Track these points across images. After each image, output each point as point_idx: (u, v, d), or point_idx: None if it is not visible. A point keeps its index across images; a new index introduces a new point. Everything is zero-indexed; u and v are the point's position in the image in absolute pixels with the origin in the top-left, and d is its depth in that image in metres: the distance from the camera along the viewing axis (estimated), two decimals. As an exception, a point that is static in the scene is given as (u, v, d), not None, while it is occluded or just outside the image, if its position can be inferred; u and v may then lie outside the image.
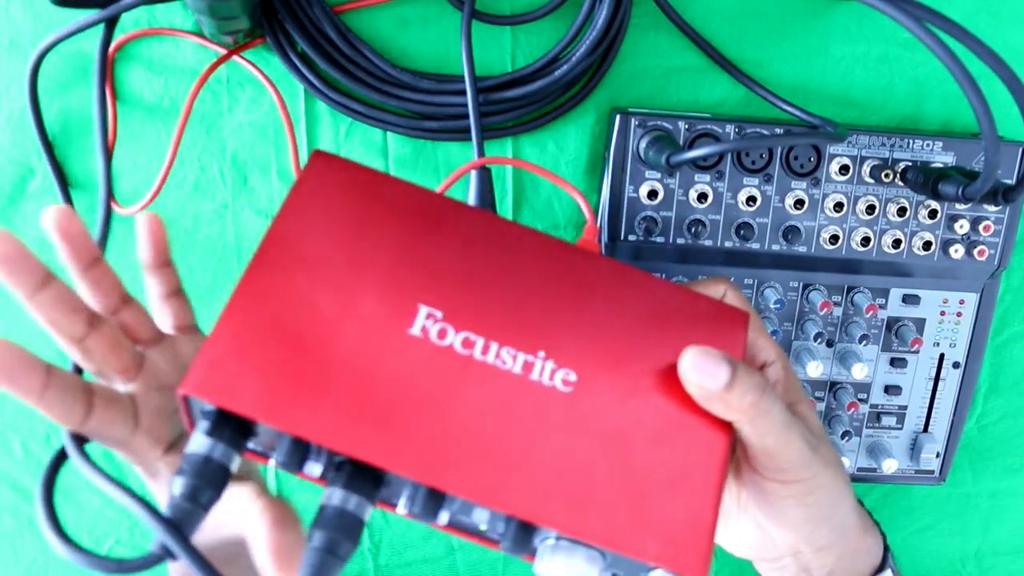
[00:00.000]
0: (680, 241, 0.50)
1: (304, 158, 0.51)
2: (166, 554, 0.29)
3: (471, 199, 0.47)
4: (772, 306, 0.51)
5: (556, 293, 0.34)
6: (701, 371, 0.33)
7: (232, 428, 0.30)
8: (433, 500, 0.31)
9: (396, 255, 0.33)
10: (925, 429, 0.55)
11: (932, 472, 0.56)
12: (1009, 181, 0.49)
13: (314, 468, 0.32)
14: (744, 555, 0.42)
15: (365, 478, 0.30)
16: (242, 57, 0.48)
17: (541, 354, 0.33)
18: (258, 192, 0.51)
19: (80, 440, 0.35)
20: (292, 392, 0.30)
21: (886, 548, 0.43)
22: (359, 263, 0.33)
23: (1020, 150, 0.49)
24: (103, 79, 0.47)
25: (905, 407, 0.54)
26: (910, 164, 0.49)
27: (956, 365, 0.54)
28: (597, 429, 0.32)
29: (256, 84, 0.49)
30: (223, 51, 0.48)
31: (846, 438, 0.54)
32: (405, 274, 0.33)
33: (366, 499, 0.30)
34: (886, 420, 0.55)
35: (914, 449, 0.55)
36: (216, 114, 0.50)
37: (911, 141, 0.49)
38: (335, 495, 0.30)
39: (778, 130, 0.48)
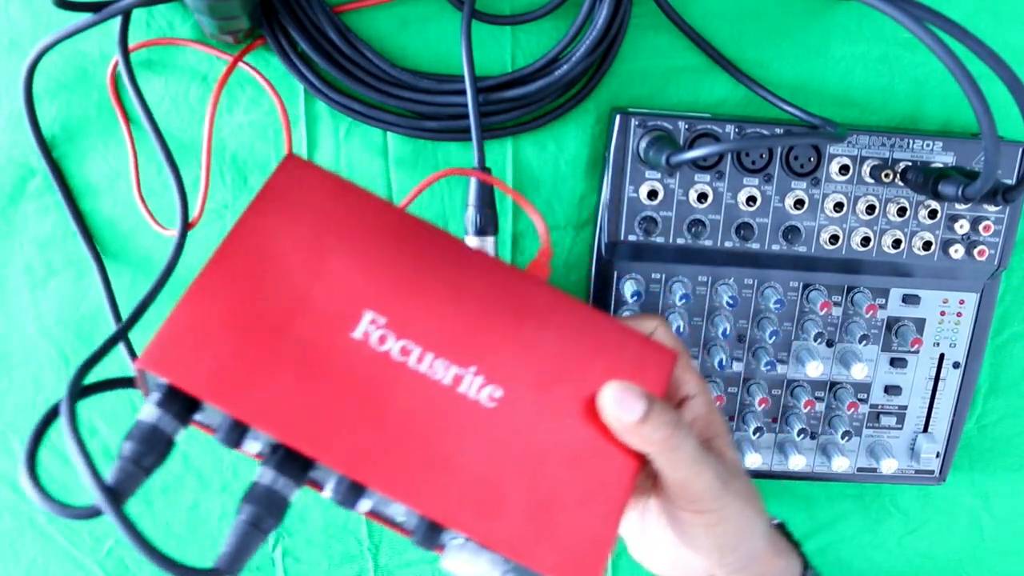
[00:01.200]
0: (680, 241, 0.50)
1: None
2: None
3: (471, 200, 0.47)
4: (772, 306, 0.51)
5: (497, 314, 0.36)
6: (619, 404, 0.35)
7: (180, 402, 0.33)
8: (355, 490, 0.33)
9: (350, 261, 0.35)
10: (925, 429, 0.55)
11: (932, 472, 0.56)
12: (1009, 181, 0.49)
13: (252, 446, 0.35)
14: (664, 574, 0.44)
15: (295, 462, 0.33)
16: (244, 62, 0.48)
17: (472, 369, 0.35)
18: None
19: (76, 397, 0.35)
20: (237, 378, 0.32)
21: (805, 568, 0.45)
22: (315, 265, 0.35)
23: (1020, 150, 0.49)
24: (136, 87, 0.46)
25: (905, 407, 0.55)
26: (910, 164, 0.49)
27: (956, 365, 0.54)
28: (515, 445, 0.34)
29: (256, 84, 0.49)
30: (222, 54, 0.48)
31: (846, 438, 0.54)
32: (356, 280, 0.35)
33: (294, 481, 0.33)
34: (886, 420, 0.55)
35: (914, 449, 0.55)
36: (216, 114, 0.50)
37: (911, 141, 0.49)
38: (266, 475, 0.33)
39: (778, 130, 0.48)
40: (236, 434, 0.33)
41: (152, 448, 0.32)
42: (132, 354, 0.51)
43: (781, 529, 0.48)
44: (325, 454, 0.32)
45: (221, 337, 0.33)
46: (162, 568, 0.31)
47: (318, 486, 0.36)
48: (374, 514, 0.37)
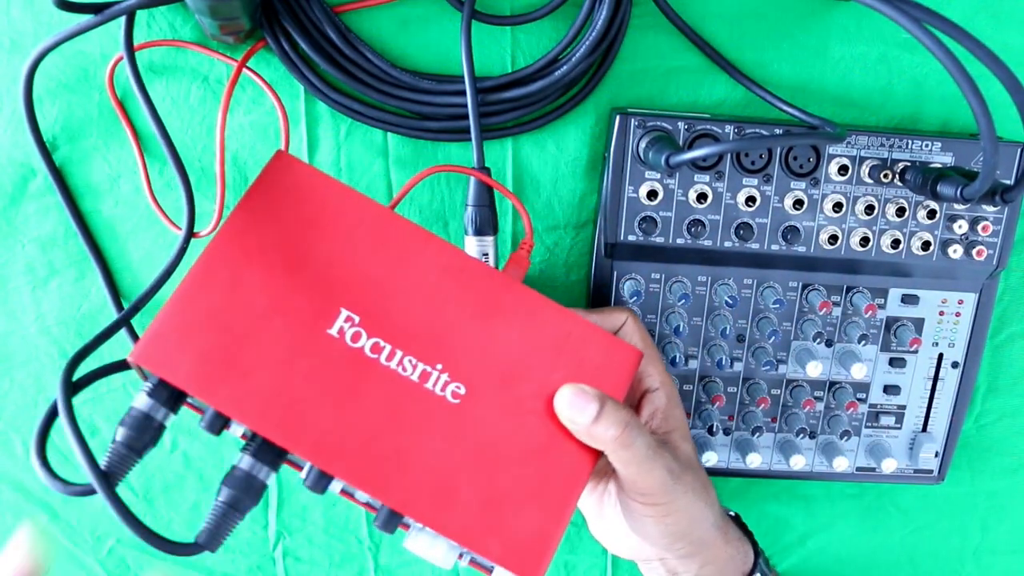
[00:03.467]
0: (680, 241, 0.50)
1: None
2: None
3: (470, 199, 0.47)
4: (771, 306, 0.51)
5: (466, 312, 0.38)
6: (572, 406, 0.37)
7: (169, 392, 0.35)
8: (324, 477, 0.36)
9: (331, 259, 0.37)
10: (924, 429, 0.55)
11: (931, 472, 0.56)
12: (1008, 181, 0.49)
13: (237, 429, 0.38)
14: (623, 555, 0.48)
15: (272, 449, 0.36)
16: (247, 68, 0.48)
17: (439, 366, 0.37)
18: (258, 192, 0.51)
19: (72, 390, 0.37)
20: (219, 373, 0.35)
21: (757, 555, 0.48)
22: (297, 263, 0.37)
23: (1019, 150, 0.49)
24: (144, 90, 0.46)
25: (904, 407, 0.55)
26: (909, 164, 0.49)
27: (955, 365, 0.54)
28: (474, 439, 0.36)
29: (257, 85, 0.49)
30: (223, 56, 0.48)
31: (845, 438, 0.54)
32: (335, 278, 0.37)
33: (270, 467, 0.36)
34: (885, 420, 0.55)
35: (913, 449, 0.55)
36: (216, 114, 0.50)
37: (910, 141, 0.49)
38: (244, 460, 0.36)
39: (777, 130, 0.48)
40: (219, 422, 0.36)
41: (143, 433, 0.35)
42: (134, 338, 0.51)
43: (736, 520, 0.51)
44: (295, 445, 0.35)
45: (206, 333, 0.35)
46: (147, 542, 0.34)
47: (298, 467, 0.39)
48: (344, 493, 0.39)
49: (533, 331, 0.38)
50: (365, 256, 0.38)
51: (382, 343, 0.37)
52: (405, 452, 0.36)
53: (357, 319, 0.37)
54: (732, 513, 0.51)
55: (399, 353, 0.37)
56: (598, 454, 0.39)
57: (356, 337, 0.36)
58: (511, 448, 0.37)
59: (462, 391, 0.37)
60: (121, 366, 0.40)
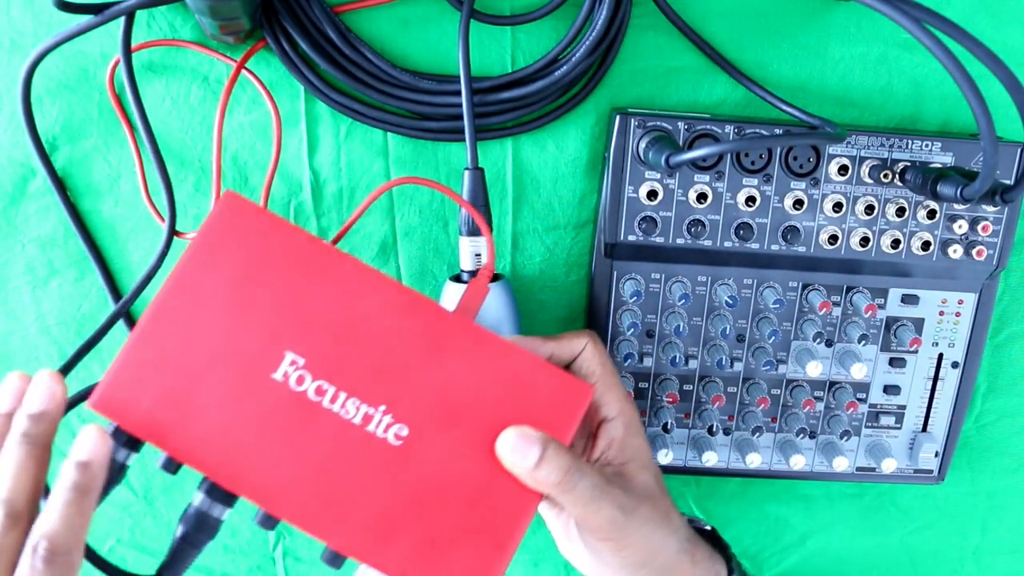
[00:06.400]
0: (680, 241, 0.50)
1: (298, 164, 0.51)
2: None
3: (464, 198, 0.47)
4: (771, 306, 0.51)
5: (414, 352, 0.38)
6: (514, 451, 0.37)
7: (128, 436, 0.37)
8: (271, 517, 0.37)
9: (279, 301, 0.38)
10: (924, 429, 0.55)
11: (931, 472, 0.56)
12: (1008, 181, 0.49)
13: None
14: (588, 574, 0.47)
15: (222, 490, 0.37)
16: (245, 68, 0.48)
17: (382, 408, 0.37)
18: (259, 192, 0.51)
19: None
20: (170, 418, 0.37)
21: (731, 572, 0.47)
22: (245, 306, 0.38)
23: (1018, 150, 0.49)
24: (136, 93, 0.47)
25: (904, 407, 0.55)
26: (909, 164, 0.49)
27: (955, 365, 0.54)
28: (416, 481, 0.37)
29: (257, 85, 0.49)
30: (223, 56, 0.48)
31: (845, 438, 0.54)
32: (282, 320, 0.37)
33: (223, 504, 0.38)
34: (885, 420, 0.55)
35: (913, 449, 0.55)
36: (216, 114, 0.50)
37: (910, 141, 0.49)
38: (197, 498, 0.38)
39: (777, 130, 0.48)
40: (173, 465, 0.37)
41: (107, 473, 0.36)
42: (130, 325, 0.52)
43: (712, 535, 0.50)
44: (240, 489, 0.37)
45: (158, 379, 0.37)
46: (107, 572, 0.37)
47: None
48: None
49: (480, 370, 0.38)
50: (312, 297, 0.38)
51: (326, 386, 0.37)
52: (347, 494, 0.37)
53: (302, 362, 0.37)
54: (708, 528, 0.50)
55: (343, 396, 0.37)
56: (541, 495, 0.39)
57: (300, 380, 0.37)
58: (453, 489, 0.37)
59: (405, 432, 0.37)
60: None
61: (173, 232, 0.49)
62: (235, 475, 0.37)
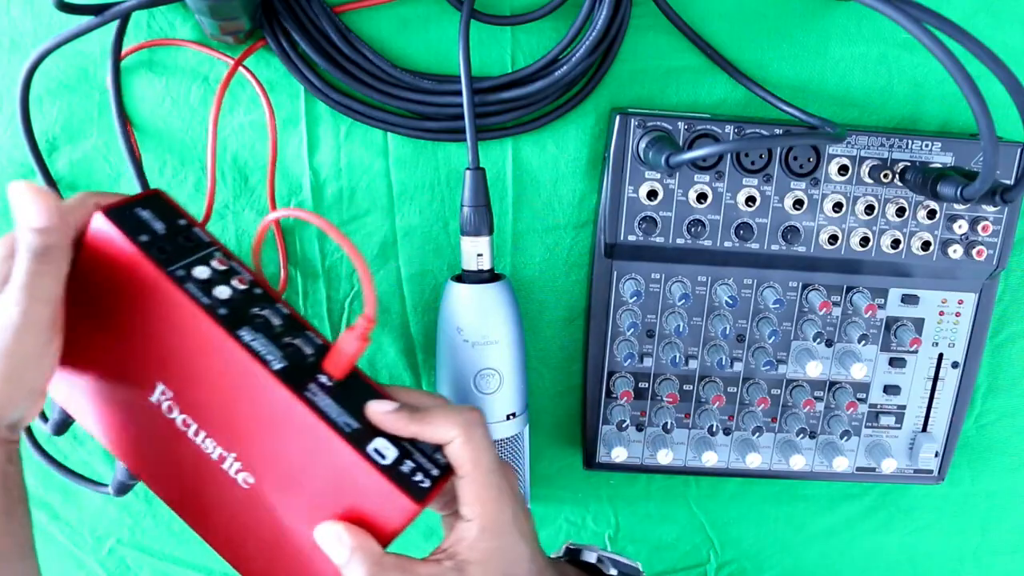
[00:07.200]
0: (680, 241, 0.50)
1: (298, 164, 0.51)
2: None
3: (465, 200, 0.47)
4: (771, 306, 0.51)
5: (258, 417, 0.39)
6: (326, 545, 0.39)
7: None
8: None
9: (147, 333, 0.39)
10: (924, 429, 0.55)
11: (931, 471, 0.56)
12: (1007, 181, 0.49)
13: None
14: None
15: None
16: (242, 66, 0.48)
17: (232, 455, 0.39)
18: (259, 192, 0.51)
19: None
20: (83, 408, 0.41)
21: None
22: (124, 331, 0.39)
23: (1018, 150, 0.49)
24: (118, 94, 0.47)
25: (904, 407, 0.55)
26: (909, 164, 0.49)
27: (955, 365, 0.54)
28: (258, 525, 0.40)
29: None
30: (222, 55, 0.48)
31: (845, 438, 0.54)
32: (154, 350, 0.39)
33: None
34: (885, 420, 0.55)
35: (913, 449, 0.55)
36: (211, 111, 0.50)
37: (910, 141, 0.49)
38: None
39: (777, 130, 0.48)
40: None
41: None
42: None
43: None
44: (137, 473, 0.42)
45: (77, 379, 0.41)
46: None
47: None
48: None
49: (314, 455, 0.38)
50: (172, 336, 0.39)
51: (189, 420, 0.39)
52: (205, 516, 0.41)
53: (170, 394, 0.39)
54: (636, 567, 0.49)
55: (203, 433, 0.39)
56: None
57: (170, 409, 0.39)
58: (285, 545, 0.40)
59: (251, 480, 0.39)
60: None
61: None
62: (129, 459, 0.42)
